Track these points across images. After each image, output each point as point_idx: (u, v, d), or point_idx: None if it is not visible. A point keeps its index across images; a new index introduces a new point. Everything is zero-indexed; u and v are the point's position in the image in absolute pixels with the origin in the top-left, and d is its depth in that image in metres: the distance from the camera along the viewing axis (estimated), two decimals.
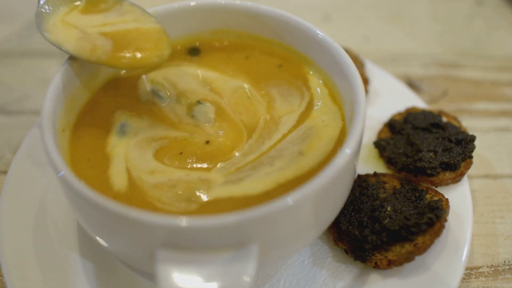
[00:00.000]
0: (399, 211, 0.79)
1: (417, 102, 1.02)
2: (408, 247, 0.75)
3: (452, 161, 0.86)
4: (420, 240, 0.75)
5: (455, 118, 0.97)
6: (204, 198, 0.69)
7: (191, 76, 0.86)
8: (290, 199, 0.60)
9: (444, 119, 0.95)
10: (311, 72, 0.86)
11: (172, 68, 0.87)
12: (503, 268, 0.86)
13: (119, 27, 0.77)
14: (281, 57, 0.89)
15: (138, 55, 0.74)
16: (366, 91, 1.01)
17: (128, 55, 0.74)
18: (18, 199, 0.83)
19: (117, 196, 0.70)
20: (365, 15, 1.46)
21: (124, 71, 0.85)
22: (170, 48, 0.77)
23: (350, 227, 0.79)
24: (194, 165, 0.73)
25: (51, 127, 0.69)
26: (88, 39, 0.75)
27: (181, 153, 0.75)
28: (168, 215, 0.65)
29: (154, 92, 0.83)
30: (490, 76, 1.25)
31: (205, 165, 0.73)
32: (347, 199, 0.80)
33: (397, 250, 0.76)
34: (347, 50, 0.81)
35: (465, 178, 0.87)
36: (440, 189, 0.85)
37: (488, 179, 1.00)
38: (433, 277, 0.75)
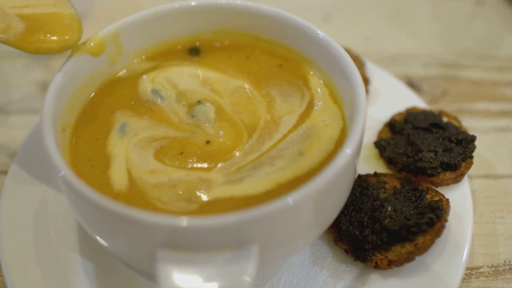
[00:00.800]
0: (399, 211, 0.79)
1: (418, 102, 1.02)
2: (408, 247, 0.75)
3: (452, 161, 0.86)
4: (420, 240, 0.75)
5: (455, 118, 0.97)
6: (205, 198, 0.69)
7: (192, 76, 0.86)
8: (290, 199, 0.60)
9: (445, 119, 0.95)
10: (312, 72, 0.86)
11: (173, 68, 0.87)
12: (504, 268, 0.86)
13: (38, 10, 0.77)
14: (281, 57, 0.89)
15: (46, 40, 0.75)
16: (367, 91, 1.01)
17: (35, 39, 0.74)
18: (18, 199, 0.83)
19: (117, 196, 0.70)
20: (366, 15, 1.46)
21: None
22: (80, 35, 0.77)
23: (351, 227, 0.79)
24: (195, 165, 0.73)
25: (51, 127, 0.69)
26: (3, 19, 0.75)
27: (181, 153, 0.75)
28: (168, 215, 0.65)
29: (155, 92, 0.83)
30: (490, 76, 1.25)
31: (205, 165, 0.73)
32: (348, 199, 0.80)
33: (397, 250, 0.76)
34: (347, 50, 0.81)
35: (465, 178, 0.87)
36: (440, 189, 0.85)
37: (488, 179, 1.00)
38: (433, 277, 0.75)
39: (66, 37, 0.76)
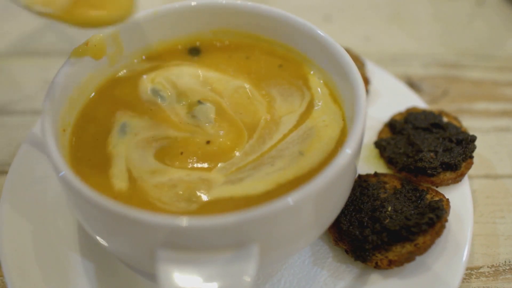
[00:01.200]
0: (399, 211, 0.79)
1: (418, 102, 1.02)
2: (408, 247, 0.75)
3: (452, 161, 0.86)
4: (420, 240, 0.75)
5: (455, 118, 0.97)
6: (205, 198, 0.69)
7: (192, 76, 0.86)
8: (290, 199, 0.60)
9: (445, 119, 0.95)
10: (312, 72, 0.86)
11: (173, 68, 0.87)
12: (504, 268, 0.86)
13: None
14: (281, 57, 0.89)
15: (95, 11, 0.70)
16: (367, 91, 1.01)
17: (82, 10, 0.69)
18: (18, 199, 0.83)
19: (117, 196, 0.70)
20: (366, 15, 1.46)
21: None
22: (133, 9, 0.72)
23: (351, 227, 0.79)
24: (195, 165, 0.73)
25: (51, 127, 0.69)
26: None
27: (181, 153, 0.75)
28: (168, 215, 0.65)
29: (155, 92, 0.83)
30: (490, 76, 1.25)
31: (205, 165, 0.73)
32: (348, 199, 0.80)
33: (397, 250, 0.76)
34: (347, 50, 0.81)
35: (465, 178, 0.87)
36: (440, 189, 0.85)
37: (488, 179, 1.00)
38: (433, 277, 0.75)
39: (119, 9, 0.70)
